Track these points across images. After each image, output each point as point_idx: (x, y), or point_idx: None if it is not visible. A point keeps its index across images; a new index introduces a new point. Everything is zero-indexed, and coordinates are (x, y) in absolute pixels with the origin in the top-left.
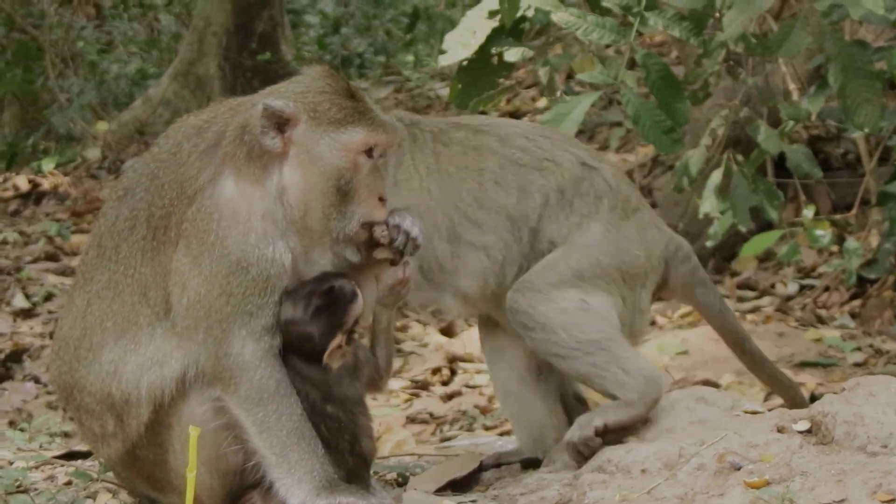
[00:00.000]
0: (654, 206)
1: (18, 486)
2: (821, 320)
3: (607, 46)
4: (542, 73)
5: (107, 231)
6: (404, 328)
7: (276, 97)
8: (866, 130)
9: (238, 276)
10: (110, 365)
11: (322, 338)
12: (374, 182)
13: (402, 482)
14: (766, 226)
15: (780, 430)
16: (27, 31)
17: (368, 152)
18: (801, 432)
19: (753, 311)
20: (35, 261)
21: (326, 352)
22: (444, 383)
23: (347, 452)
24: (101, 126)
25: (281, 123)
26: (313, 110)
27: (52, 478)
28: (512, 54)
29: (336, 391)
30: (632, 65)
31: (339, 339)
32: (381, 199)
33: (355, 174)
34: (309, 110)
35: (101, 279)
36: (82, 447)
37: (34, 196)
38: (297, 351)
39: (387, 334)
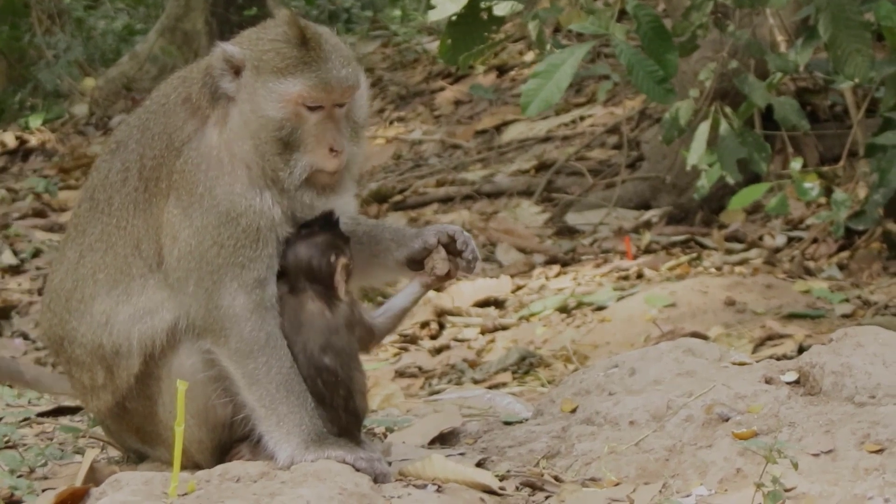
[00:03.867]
0: (641, 159)
1: (7, 442)
2: (809, 272)
3: None
4: (532, 27)
5: (100, 184)
6: (392, 282)
7: (236, 41)
8: (856, 81)
9: (228, 227)
10: (102, 316)
11: (324, 256)
12: (323, 132)
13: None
14: (754, 178)
15: (768, 381)
16: None
17: (312, 105)
18: (789, 383)
19: (741, 263)
20: (23, 217)
21: (336, 271)
22: (433, 337)
23: (342, 409)
24: (89, 82)
25: (235, 68)
26: (259, 59)
27: (41, 433)
28: (501, 8)
29: (334, 339)
30: (620, 17)
31: (344, 258)
32: (333, 150)
33: (299, 125)
34: (255, 58)
35: (93, 231)
36: (71, 403)
37: (21, 153)
38: (307, 277)
39: (403, 308)
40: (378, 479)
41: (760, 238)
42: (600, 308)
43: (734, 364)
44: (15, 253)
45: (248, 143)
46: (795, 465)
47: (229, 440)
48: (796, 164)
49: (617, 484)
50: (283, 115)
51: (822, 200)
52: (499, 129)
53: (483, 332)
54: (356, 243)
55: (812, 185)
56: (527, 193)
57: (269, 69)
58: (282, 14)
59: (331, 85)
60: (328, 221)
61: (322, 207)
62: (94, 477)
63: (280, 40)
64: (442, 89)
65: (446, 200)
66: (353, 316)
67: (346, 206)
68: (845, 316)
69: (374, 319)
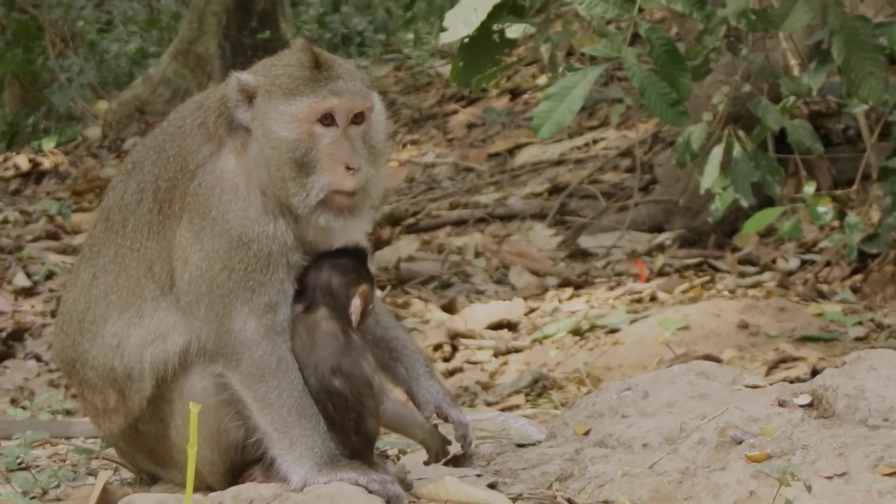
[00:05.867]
0: (654, 182)
1: (20, 464)
2: (822, 295)
3: (608, 22)
4: (544, 50)
5: (115, 205)
6: (406, 304)
7: (251, 70)
8: (871, 104)
9: (239, 252)
10: (113, 338)
11: (344, 278)
12: (338, 150)
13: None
14: (768, 201)
15: (782, 404)
16: (27, 10)
17: (325, 120)
18: (802, 406)
19: (755, 286)
20: (36, 239)
21: (353, 296)
22: (446, 359)
23: (352, 432)
24: (102, 105)
25: (249, 96)
26: (271, 84)
27: (54, 455)
28: (513, 31)
29: (345, 363)
30: (632, 41)
31: (363, 287)
32: (349, 168)
33: (313, 144)
34: (267, 83)
35: (107, 253)
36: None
37: (35, 175)
38: (324, 297)
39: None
40: (391, 501)
41: (774, 261)
42: (613, 331)
43: (747, 387)
44: (28, 275)
45: (263, 170)
46: (809, 488)
47: (242, 463)
48: (810, 188)
49: None
50: (296, 136)
51: (836, 224)
52: (512, 152)
53: (496, 355)
54: (372, 343)
55: (826, 209)
56: (540, 216)
57: (280, 92)
58: (297, 42)
59: (339, 93)
60: (357, 253)
61: (339, 230)
62: (106, 499)
63: (293, 65)
64: (455, 112)
65: (459, 223)
66: (368, 355)
67: (357, 234)
68: (859, 339)
69: (387, 395)
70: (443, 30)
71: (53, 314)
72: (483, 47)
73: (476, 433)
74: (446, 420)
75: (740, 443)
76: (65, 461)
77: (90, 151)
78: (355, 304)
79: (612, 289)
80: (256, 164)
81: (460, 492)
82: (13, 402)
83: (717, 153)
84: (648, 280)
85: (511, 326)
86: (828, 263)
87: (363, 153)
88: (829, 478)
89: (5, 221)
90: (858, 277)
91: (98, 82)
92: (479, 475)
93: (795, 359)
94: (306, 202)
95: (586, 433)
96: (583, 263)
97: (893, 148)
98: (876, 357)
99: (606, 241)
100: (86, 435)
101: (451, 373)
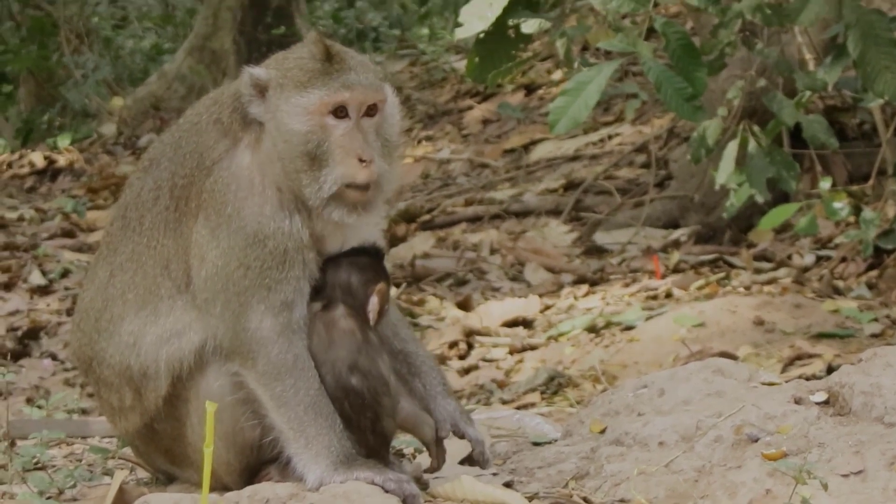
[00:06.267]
0: (669, 178)
1: (36, 464)
2: (837, 291)
3: (623, 17)
4: (560, 45)
5: (132, 202)
6: (421, 302)
7: (264, 64)
8: (886, 98)
9: (255, 249)
10: (129, 337)
11: (363, 276)
12: (350, 142)
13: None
14: (783, 196)
15: (798, 401)
16: (42, 6)
17: (337, 113)
18: (818, 403)
19: (770, 282)
20: (51, 237)
21: (371, 293)
22: (461, 357)
23: (369, 431)
24: (117, 102)
25: (261, 90)
26: (283, 76)
27: (70, 455)
28: (529, 26)
29: (362, 360)
30: (648, 36)
31: (381, 285)
32: (361, 160)
33: (326, 137)
34: (279, 76)
35: (124, 251)
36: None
37: (50, 172)
38: (343, 294)
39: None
40: (407, 500)
41: (789, 257)
42: (629, 328)
43: (763, 384)
44: (43, 273)
45: (277, 164)
46: (825, 486)
47: (258, 462)
48: (825, 184)
49: None
50: (308, 128)
51: (851, 219)
52: (527, 147)
53: (511, 352)
54: (390, 355)
55: (841, 205)
56: (555, 212)
57: (292, 85)
58: (310, 35)
59: (352, 85)
60: (375, 252)
61: (352, 226)
62: (123, 498)
63: (305, 58)
64: (470, 108)
65: (474, 220)
66: (384, 355)
67: (372, 231)
68: (874, 335)
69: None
70: (458, 25)
71: (69, 313)
72: (498, 42)
73: (492, 432)
74: (463, 438)
75: (756, 441)
76: (81, 461)
77: (105, 148)
78: (373, 303)
79: (627, 285)
80: (270, 158)
81: (476, 491)
82: (29, 401)
83: (732, 148)
84: (664, 277)
85: (526, 324)
86: (843, 259)
87: (376, 146)
88: (846, 476)
89: (21, 219)
90: (874, 273)
91: (113, 79)
92: (495, 474)
93: (811, 356)
94: (319, 195)
95: (602, 431)
96: (598, 260)
97: None
98: (892, 353)
99: (622, 238)
100: (102, 434)
101: (467, 370)
